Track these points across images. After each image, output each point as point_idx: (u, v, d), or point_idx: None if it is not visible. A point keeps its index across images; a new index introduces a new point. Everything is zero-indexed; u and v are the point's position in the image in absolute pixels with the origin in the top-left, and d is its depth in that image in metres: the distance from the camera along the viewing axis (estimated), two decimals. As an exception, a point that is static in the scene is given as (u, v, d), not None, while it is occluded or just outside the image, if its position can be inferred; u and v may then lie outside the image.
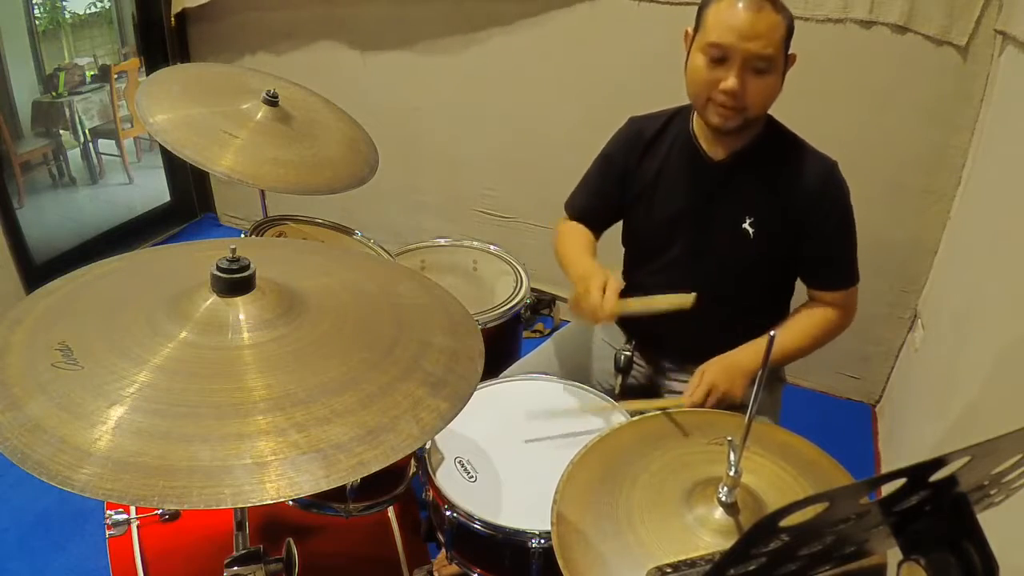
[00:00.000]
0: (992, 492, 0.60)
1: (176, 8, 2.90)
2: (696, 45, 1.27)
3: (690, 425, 1.09)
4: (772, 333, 0.79)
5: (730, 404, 1.31)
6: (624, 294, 1.61)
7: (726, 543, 0.83)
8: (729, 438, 0.85)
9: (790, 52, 1.26)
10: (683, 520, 0.88)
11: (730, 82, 1.22)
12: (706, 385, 1.30)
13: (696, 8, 1.28)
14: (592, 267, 1.37)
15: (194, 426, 0.70)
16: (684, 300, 1.28)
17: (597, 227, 1.57)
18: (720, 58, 1.22)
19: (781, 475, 0.97)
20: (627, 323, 1.59)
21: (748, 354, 1.36)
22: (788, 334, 1.39)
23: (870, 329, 2.33)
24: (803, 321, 1.41)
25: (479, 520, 1.12)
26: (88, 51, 3.45)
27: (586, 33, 2.36)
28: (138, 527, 1.30)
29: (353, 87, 2.55)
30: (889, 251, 2.20)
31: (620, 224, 1.57)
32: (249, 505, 0.79)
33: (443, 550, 1.22)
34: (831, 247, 1.37)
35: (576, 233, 1.54)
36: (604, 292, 1.27)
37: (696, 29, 1.27)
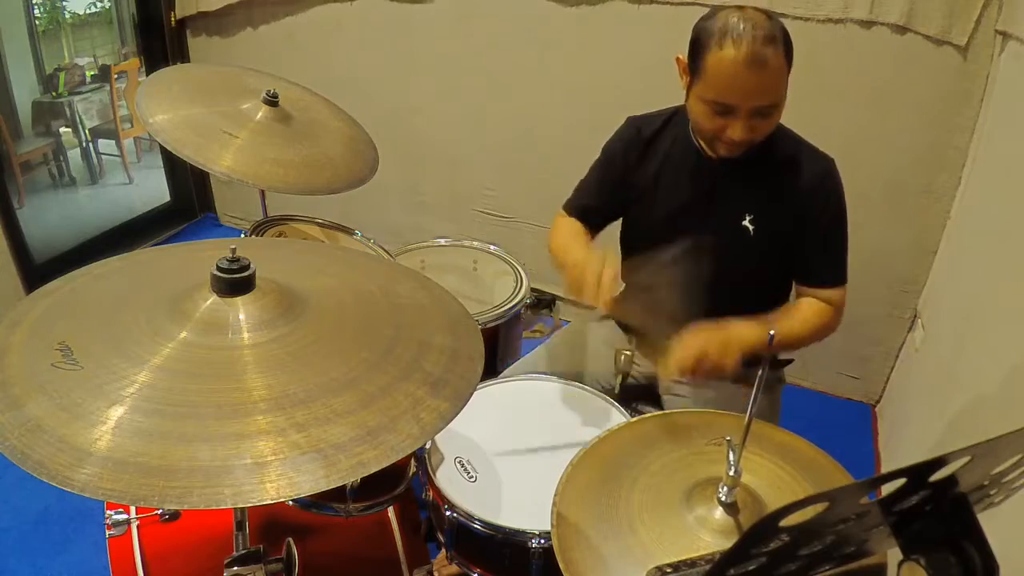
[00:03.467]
0: (992, 492, 0.60)
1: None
2: (696, 92, 1.24)
3: (689, 425, 1.09)
4: (772, 332, 0.79)
5: (718, 377, 1.23)
6: (624, 295, 1.61)
7: (726, 543, 0.83)
8: (728, 438, 0.85)
9: None
10: (683, 520, 0.88)
11: (738, 133, 1.21)
12: (697, 350, 1.21)
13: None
14: (588, 253, 1.29)
15: (194, 426, 0.70)
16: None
17: (594, 227, 1.55)
18: (723, 112, 1.21)
19: (781, 475, 0.97)
20: (627, 323, 1.59)
21: (745, 327, 1.27)
22: (784, 321, 1.36)
23: (870, 329, 2.33)
24: (798, 311, 1.39)
25: (479, 520, 1.12)
26: (88, 51, 3.45)
27: (586, 33, 2.36)
28: (138, 527, 1.30)
29: (353, 87, 2.55)
30: (889, 251, 2.20)
31: (619, 226, 1.57)
32: (249, 505, 0.79)
33: (443, 550, 1.22)
34: (824, 244, 1.37)
35: (570, 228, 1.52)
36: (601, 277, 1.19)
37: (693, 69, 1.23)
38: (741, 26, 1.15)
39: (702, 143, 1.37)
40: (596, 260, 1.21)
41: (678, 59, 1.28)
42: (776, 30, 1.17)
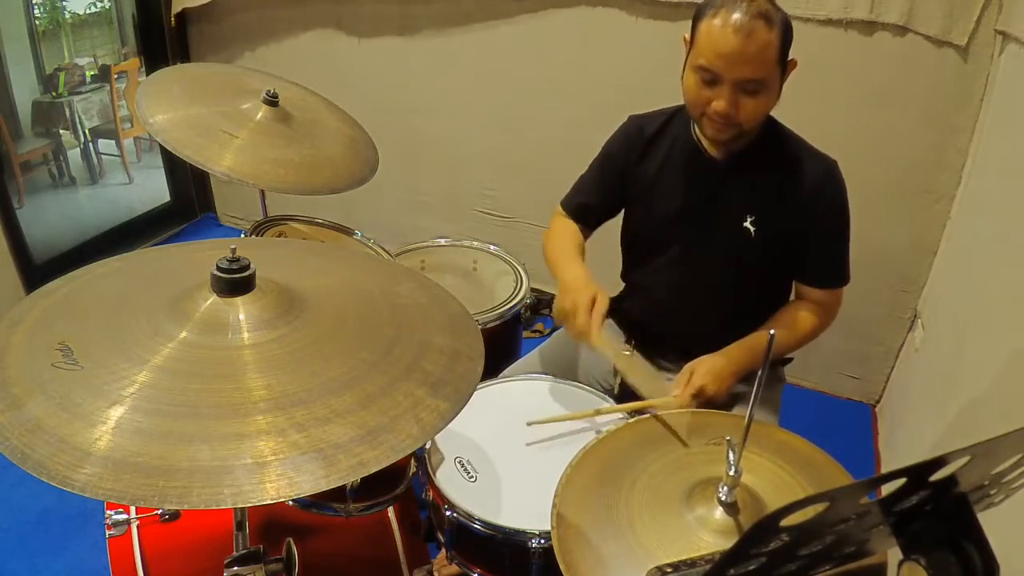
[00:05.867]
0: (992, 492, 0.60)
1: (176, 8, 2.90)
2: (689, 61, 1.26)
3: (689, 426, 1.09)
4: (772, 332, 0.79)
5: (717, 404, 1.30)
6: (624, 295, 1.62)
7: (726, 543, 0.83)
8: (728, 438, 0.85)
9: (790, 59, 1.24)
10: (683, 520, 0.87)
11: (720, 105, 1.22)
12: (694, 387, 1.29)
13: (693, 11, 1.27)
14: (582, 278, 1.35)
15: (194, 426, 0.70)
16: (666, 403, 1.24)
17: (591, 224, 1.57)
18: (710, 80, 1.22)
19: (781, 475, 0.97)
20: (626, 323, 1.59)
21: (737, 354, 1.35)
22: (777, 332, 1.38)
23: (870, 329, 2.33)
24: (790, 319, 1.41)
25: (479, 520, 1.12)
26: (88, 51, 3.45)
27: (586, 34, 2.36)
28: (138, 527, 1.30)
29: (353, 87, 2.55)
30: (889, 251, 2.20)
31: (619, 225, 1.57)
32: (249, 505, 0.79)
33: (443, 550, 1.22)
34: (826, 245, 1.38)
35: (567, 233, 1.53)
36: (592, 311, 1.27)
37: (691, 39, 1.26)
38: (739, 1, 1.18)
39: (702, 140, 1.37)
40: (587, 296, 1.29)
41: (684, 37, 1.29)
42: (773, 13, 1.19)
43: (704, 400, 1.29)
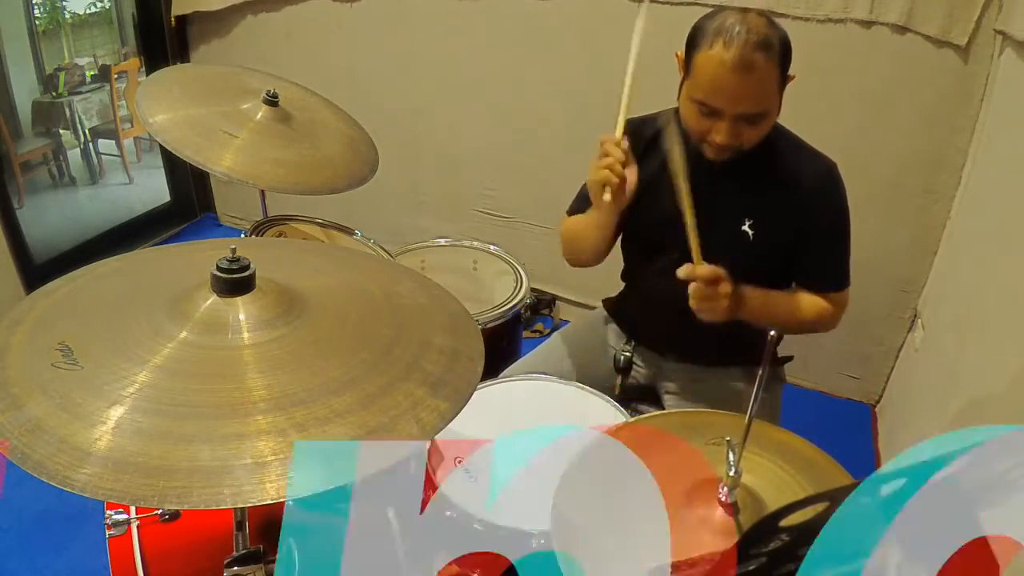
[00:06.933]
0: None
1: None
2: (686, 90, 1.24)
3: (689, 425, 1.09)
4: (772, 334, 0.79)
5: (708, 311, 1.24)
6: (624, 295, 1.62)
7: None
8: (728, 438, 0.85)
9: (788, 73, 1.22)
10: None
11: (721, 137, 1.21)
12: (716, 273, 1.21)
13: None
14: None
15: (194, 426, 0.70)
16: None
17: None
18: (709, 113, 1.20)
19: (780, 475, 0.97)
20: (627, 323, 1.59)
21: (754, 295, 1.30)
22: (783, 300, 1.37)
23: (870, 329, 2.33)
24: (801, 299, 1.39)
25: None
26: (88, 51, 3.45)
27: (586, 33, 2.36)
28: (138, 527, 1.30)
29: (353, 87, 2.55)
30: (889, 251, 2.20)
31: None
32: (249, 505, 0.79)
33: (443, 550, 1.22)
34: (826, 247, 1.37)
35: (577, 217, 1.52)
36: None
37: (687, 63, 1.23)
38: (736, 28, 1.14)
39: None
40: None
41: (677, 55, 1.28)
42: (773, 37, 1.16)
43: (710, 294, 1.22)
